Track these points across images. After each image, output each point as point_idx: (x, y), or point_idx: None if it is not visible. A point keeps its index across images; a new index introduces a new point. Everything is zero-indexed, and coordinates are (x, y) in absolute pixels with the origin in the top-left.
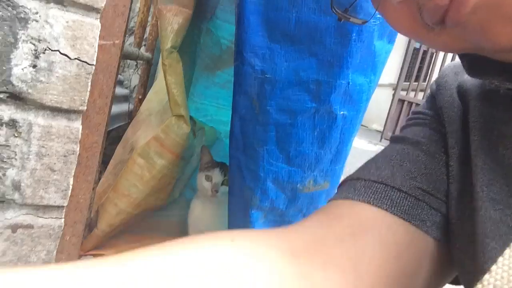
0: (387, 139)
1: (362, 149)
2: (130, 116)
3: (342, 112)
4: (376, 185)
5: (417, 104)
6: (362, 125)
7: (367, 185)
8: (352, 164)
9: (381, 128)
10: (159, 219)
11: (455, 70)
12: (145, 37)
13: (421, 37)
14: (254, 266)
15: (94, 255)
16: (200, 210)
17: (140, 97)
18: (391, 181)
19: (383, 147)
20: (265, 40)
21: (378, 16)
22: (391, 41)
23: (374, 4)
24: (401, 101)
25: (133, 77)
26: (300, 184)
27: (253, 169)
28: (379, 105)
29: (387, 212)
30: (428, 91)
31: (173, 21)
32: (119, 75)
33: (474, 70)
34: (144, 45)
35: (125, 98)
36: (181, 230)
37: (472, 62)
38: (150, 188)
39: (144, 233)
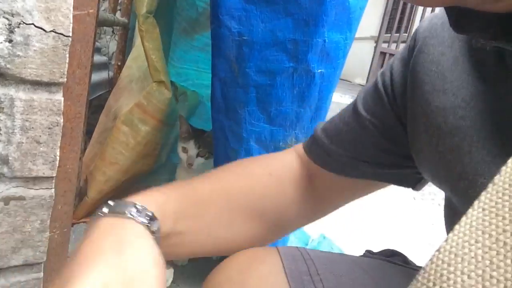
0: None
1: (346, 103)
2: (110, 83)
3: (319, 70)
4: (320, 150)
5: None
6: (345, 80)
7: (317, 147)
8: None
9: (364, 82)
10: (148, 184)
11: (442, 21)
12: (119, 1)
13: None
14: (285, 191)
15: (87, 222)
16: (184, 176)
17: (119, 63)
18: (329, 150)
19: None
20: (241, 2)
21: None
22: None
23: None
24: (383, 53)
25: (111, 43)
26: (282, 143)
27: (236, 131)
28: (361, 59)
29: (321, 167)
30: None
31: None
32: (96, 43)
33: (460, 25)
34: (120, 9)
35: (104, 66)
36: None
37: (458, 16)
38: (136, 154)
39: None
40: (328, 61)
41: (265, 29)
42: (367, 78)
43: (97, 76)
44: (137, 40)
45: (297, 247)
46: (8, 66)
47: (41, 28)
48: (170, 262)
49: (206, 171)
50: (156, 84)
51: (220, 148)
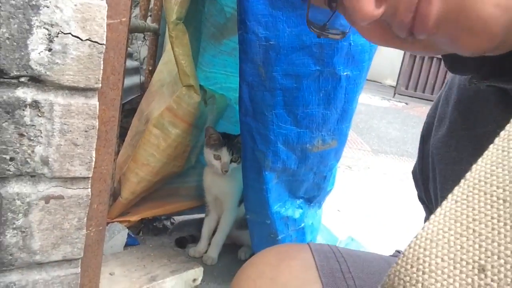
0: (400, 94)
1: (376, 105)
2: (142, 88)
3: (345, 73)
4: None
5: (430, 58)
6: (375, 81)
7: None
8: (365, 121)
9: (394, 84)
10: (178, 185)
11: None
12: (150, 7)
13: (396, 47)
14: None
15: (121, 222)
16: (211, 178)
17: (150, 68)
18: None
19: (396, 103)
20: (267, 8)
21: None
22: None
23: (348, 22)
24: (413, 54)
25: (142, 48)
26: (309, 144)
27: (263, 133)
28: (391, 60)
29: None
30: None
31: None
32: (128, 48)
33: (455, 67)
34: (150, 16)
35: (135, 71)
36: (199, 194)
37: (453, 60)
38: (167, 156)
39: (165, 199)
40: (353, 63)
41: (291, 34)
42: (397, 79)
43: (129, 81)
44: (168, 45)
45: (328, 245)
46: (48, 73)
47: (78, 37)
48: (199, 261)
49: (237, 174)
50: (186, 88)
51: (247, 150)
